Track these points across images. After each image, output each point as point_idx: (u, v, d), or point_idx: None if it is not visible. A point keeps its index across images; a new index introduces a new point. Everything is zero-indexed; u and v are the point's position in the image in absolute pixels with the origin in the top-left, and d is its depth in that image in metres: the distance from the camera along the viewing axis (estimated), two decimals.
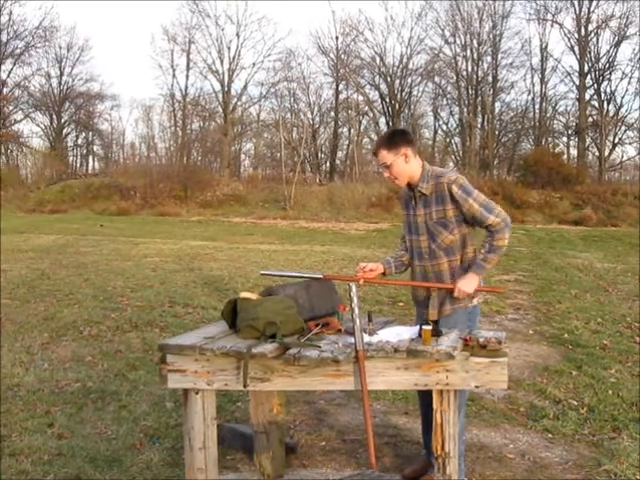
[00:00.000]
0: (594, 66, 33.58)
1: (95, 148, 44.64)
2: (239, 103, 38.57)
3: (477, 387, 2.66)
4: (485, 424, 4.03)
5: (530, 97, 35.57)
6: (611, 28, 32.79)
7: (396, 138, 3.10)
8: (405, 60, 35.93)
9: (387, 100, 36.62)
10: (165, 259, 12.40)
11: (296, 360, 2.54)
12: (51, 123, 40.52)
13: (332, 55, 37.33)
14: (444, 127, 38.54)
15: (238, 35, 36.85)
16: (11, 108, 38.33)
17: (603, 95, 33.64)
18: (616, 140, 34.49)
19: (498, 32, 34.55)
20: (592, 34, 33.19)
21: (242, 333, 2.75)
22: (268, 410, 3.20)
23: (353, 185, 29.41)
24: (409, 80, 36.54)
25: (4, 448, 3.55)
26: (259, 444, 3.23)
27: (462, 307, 3.08)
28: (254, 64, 37.39)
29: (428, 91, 37.32)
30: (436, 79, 36.31)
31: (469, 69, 35.30)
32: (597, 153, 34.21)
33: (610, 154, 34.40)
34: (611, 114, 33.87)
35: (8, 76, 37.21)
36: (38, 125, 41.10)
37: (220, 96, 37.35)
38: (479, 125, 35.38)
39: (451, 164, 36.94)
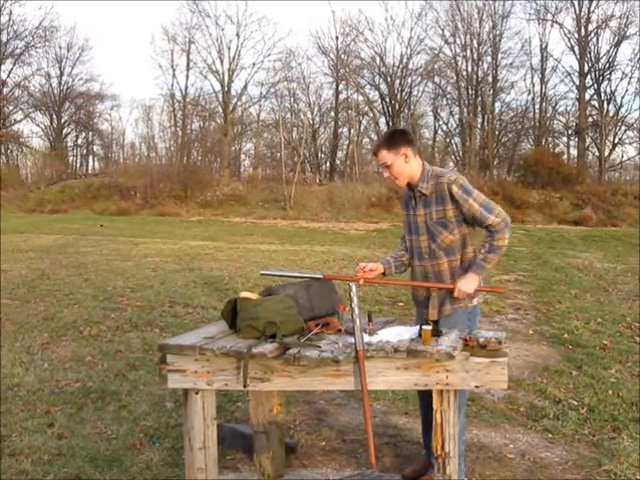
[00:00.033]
0: (594, 66, 33.59)
1: (95, 148, 44.72)
2: (239, 103, 38.62)
3: (477, 387, 2.66)
4: (485, 424, 4.03)
5: (530, 97, 35.64)
6: (611, 28, 32.85)
7: (396, 138, 3.10)
8: (405, 60, 35.99)
9: (387, 100, 36.62)
10: (165, 259, 12.40)
11: (296, 360, 2.54)
12: (51, 123, 40.54)
13: (332, 55, 37.40)
14: (444, 127, 38.61)
15: (238, 35, 36.90)
16: (11, 108, 38.36)
17: (603, 95, 33.68)
18: (616, 140, 34.54)
19: (498, 32, 34.60)
20: (592, 34, 33.22)
21: (242, 333, 2.75)
22: (268, 410, 3.20)
23: (353, 185, 29.41)
24: (409, 80, 36.59)
25: (4, 448, 3.55)
26: (259, 444, 3.23)
27: (462, 307, 3.08)
28: (254, 64, 37.45)
29: (428, 91, 37.39)
30: (436, 79, 36.34)
31: (469, 69, 35.34)
32: (597, 153, 34.21)
33: (610, 154, 34.42)
34: (611, 114, 33.88)
35: (8, 76, 37.29)
36: (38, 125, 41.20)
37: (220, 96, 37.39)
38: (479, 125, 35.38)
39: (451, 164, 36.97)
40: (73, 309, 7.37)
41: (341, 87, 37.33)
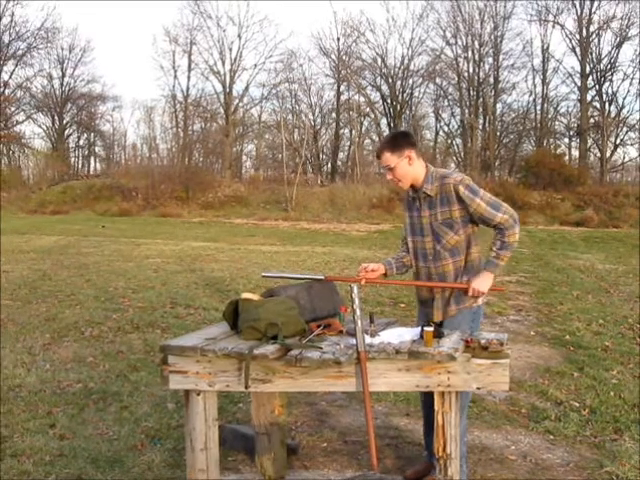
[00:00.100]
0: (595, 67, 33.56)
1: (97, 149, 44.77)
2: (240, 104, 38.64)
3: (479, 388, 2.66)
4: (487, 425, 4.02)
5: (531, 98, 35.59)
6: (612, 29, 32.82)
7: (399, 140, 3.11)
8: (406, 61, 35.98)
9: (388, 101, 36.62)
10: (167, 260, 12.41)
11: (298, 361, 2.54)
12: (53, 124, 40.58)
13: (333, 56, 37.39)
14: (445, 128, 38.60)
15: (240, 36, 36.92)
16: (13, 109, 38.41)
17: (605, 96, 33.64)
18: (617, 141, 34.51)
19: (499, 33, 34.58)
20: (593, 35, 33.19)
21: (243, 334, 2.75)
22: (269, 411, 3.20)
23: (354, 186, 29.41)
24: (410, 81, 36.58)
25: (6, 449, 3.55)
26: (260, 445, 3.23)
27: (467, 307, 3.09)
28: (255, 65, 37.46)
29: (429, 92, 37.39)
30: (437, 80, 36.33)
31: (470, 70, 35.31)
32: (599, 154, 34.19)
33: (612, 155, 34.41)
34: (613, 115, 33.85)
35: (10, 77, 37.32)
36: (40, 126, 41.22)
37: (222, 97, 37.39)
38: (480, 126, 35.37)
39: (452, 165, 36.93)
40: (75, 310, 7.38)
41: (342, 88, 37.39)
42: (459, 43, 35.18)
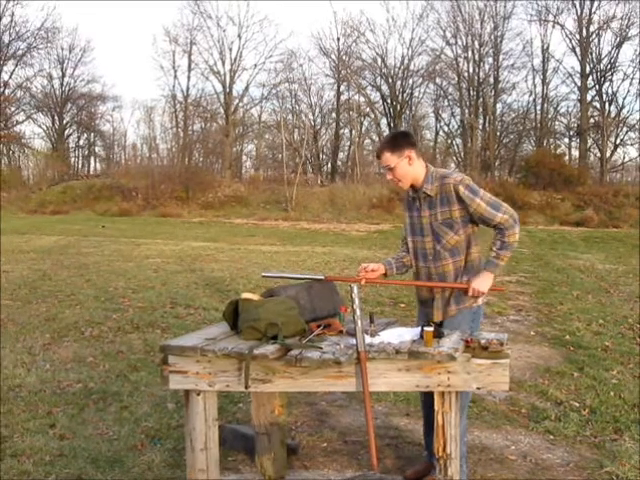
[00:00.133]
0: (595, 67, 33.56)
1: (97, 149, 44.78)
2: (240, 104, 38.65)
3: (479, 388, 2.66)
4: (487, 425, 4.02)
5: (531, 98, 35.59)
6: (612, 29, 32.82)
7: (399, 140, 3.11)
8: (406, 61, 35.99)
9: (388, 101, 36.63)
10: (167, 260, 12.41)
11: (298, 361, 2.54)
12: (53, 124, 40.59)
13: (333, 56, 37.40)
14: (445, 128, 38.60)
15: (240, 36, 36.92)
16: (13, 109, 38.41)
17: (605, 96, 33.65)
18: (617, 141, 34.52)
19: (499, 33, 34.58)
20: (593, 35, 33.19)
21: (243, 334, 2.75)
22: (269, 411, 3.20)
23: (354, 186, 29.42)
24: (410, 81, 36.58)
25: (6, 449, 3.55)
26: (260, 445, 3.23)
27: (467, 307, 3.09)
28: (255, 65, 37.46)
29: (429, 92, 37.39)
30: (437, 80, 36.33)
31: (470, 70, 35.31)
32: (599, 154, 34.20)
33: (612, 155, 34.41)
34: (613, 115, 33.86)
35: (10, 77, 37.33)
36: (40, 126, 41.23)
37: (222, 97, 37.39)
38: (480, 126, 35.37)
39: (452, 165, 36.93)
40: (75, 310, 7.38)
41: (342, 88, 37.40)
42: (459, 43, 35.23)
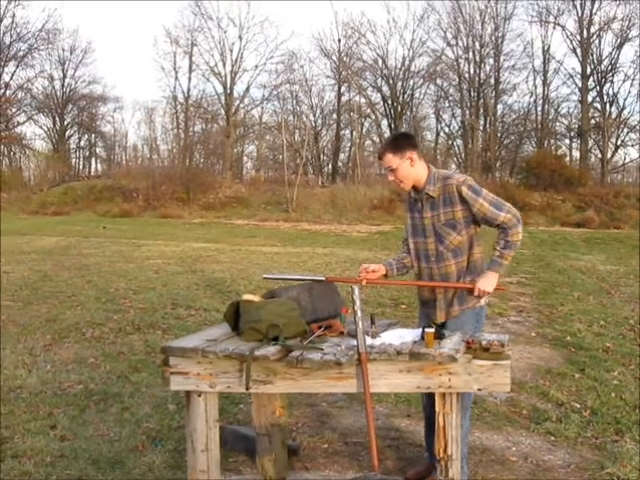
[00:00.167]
0: (596, 68, 33.55)
1: (98, 150, 44.82)
2: (241, 105, 38.65)
3: (480, 390, 2.66)
4: (488, 427, 4.02)
5: (532, 99, 35.58)
6: (613, 30, 32.80)
7: (401, 142, 3.11)
8: (407, 62, 35.99)
9: (389, 102, 36.63)
10: (167, 261, 12.41)
11: (299, 362, 2.54)
12: (54, 125, 40.62)
13: (334, 57, 37.41)
14: (446, 129, 38.60)
15: (240, 37, 36.93)
16: (14, 110, 38.46)
17: (605, 97, 33.62)
18: (618, 142, 34.51)
19: (500, 34, 34.57)
20: (594, 36, 33.18)
21: (245, 335, 2.75)
22: (270, 412, 3.20)
23: (355, 187, 29.42)
24: (411, 82, 36.57)
25: (7, 450, 3.55)
26: (261, 446, 3.22)
27: (470, 308, 3.10)
28: (256, 66, 37.47)
29: (430, 93, 37.38)
30: (438, 81, 36.32)
31: (471, 71, 35.31)
32: (599, 155, 34.18)
33: (612, 156, 34.39)
34: (613, 116, 33.84)
35: (11, 78, 37.37)
36: (41, 127, 41.29)
37: (222, 98, 37.39)
38: (481, 127, 35.37)
39: (453, 166, 36.91)
40: (75, 311, 7.38)
41: (343, 89, 37.40)
42: (460, 44, 35.23)
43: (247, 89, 37.76)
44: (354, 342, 2.63)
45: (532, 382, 4.91)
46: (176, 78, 37.69)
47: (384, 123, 37.46)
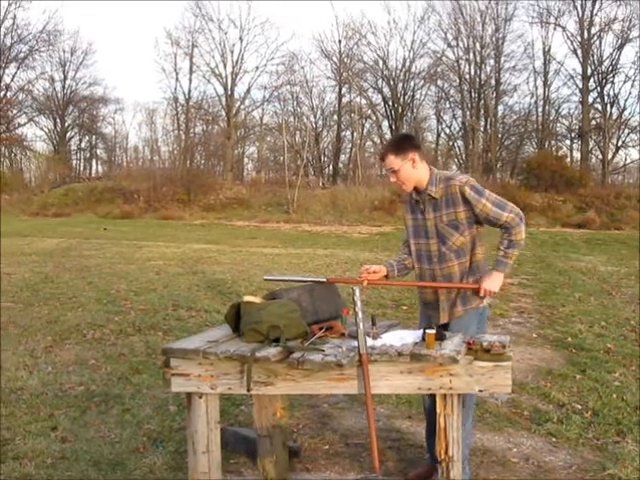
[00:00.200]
0: (597, 69, 33.56)
1: (98, 152, 44.91)
2: (242, 107, 38.70)
3: (481, 391, 2.66)
4: (489, 428, 4.02)
5: (533, 100, 35.62)
6: (614, 31, 32.82)
7: (403, 143, 3.12)
8: (408, 63, 36.04)
9: (390, 103, 36.66)
10: (168, 262, 12.42)
11: (300, 364, 2.54)
12: (55, 127, 40.69)
13: (335, 59, 37.47)
14: (447, 130, 38.64)
15: (241, 39, 36.98)
16: (15, 112, 38.52)
17: (606, 98, 33.63)
18: (619, 143, 34.54)
19: (501, 35, 34.61)
20: (595, 37, 33.21)
21: (246, 337, 2.75)
22: (271, 414, 3.20)
23: (356, 188, 29.43)
24: (412, 83, 36.63)
25: (7, 451, 3.55)
26: (262, 448, 3.22)
27: (473, 308, 3.10)
28: (257, 68, 37.56)
29: (431, 94, 37.45)
30: (439, 82, 36.38)
31: (472, 72, 35.35)
32: (600, 156, 34.18)
33: (613, 157, 34.42)
34: (614, 117, 33.86)
35: (12, 80, 37.42)
36: (42, 129, 41.36)
37: (223, 100, 37.44)
38: (482, 128, 35.38)
39: (454, 167, 36.92)
40: (77, 312, 7.38)
41: (344, 90, 37.46)
42: (460, 45, 35.28)
43: (248, 90, 37.87)
44: (355, 343, 2.63)
45: (533, 383, 4.91)
46: (177, 79, 37.81)
47: (385, 124, 37.54)
